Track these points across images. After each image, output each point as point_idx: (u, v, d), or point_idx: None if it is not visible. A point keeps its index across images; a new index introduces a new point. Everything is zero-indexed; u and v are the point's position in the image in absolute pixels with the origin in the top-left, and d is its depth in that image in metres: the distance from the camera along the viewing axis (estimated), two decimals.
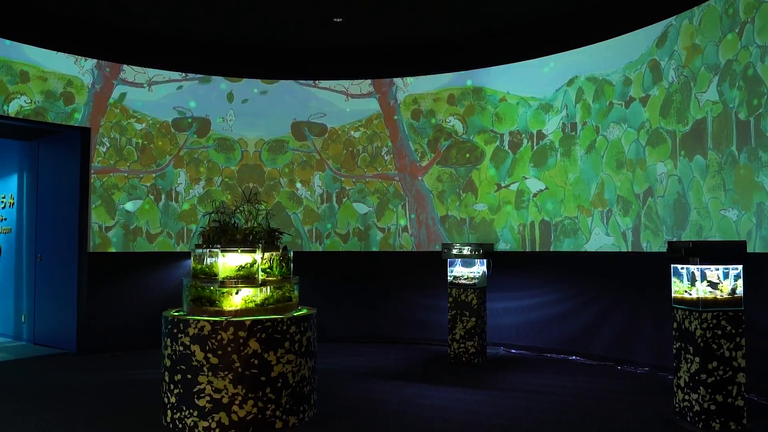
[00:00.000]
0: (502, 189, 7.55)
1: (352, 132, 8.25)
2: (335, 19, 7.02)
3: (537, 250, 7.24)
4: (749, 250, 5.00)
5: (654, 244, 6.13)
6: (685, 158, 5.83)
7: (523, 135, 7.41)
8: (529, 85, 7.36)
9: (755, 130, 5.15)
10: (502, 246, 7.49)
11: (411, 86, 8.08)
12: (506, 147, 7.54)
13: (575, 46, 6.95)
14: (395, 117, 8.14)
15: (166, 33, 7.55)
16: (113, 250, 7.37)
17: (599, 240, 6.68)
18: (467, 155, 7.80)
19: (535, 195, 7.29)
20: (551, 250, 7.11)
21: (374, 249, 8.13)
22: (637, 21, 6.35)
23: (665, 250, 4.47)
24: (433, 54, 7.98)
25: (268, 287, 4.36)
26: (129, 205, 7.50)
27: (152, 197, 7.66)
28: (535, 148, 7.31)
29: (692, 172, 5.75)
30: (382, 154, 8.18)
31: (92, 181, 7.28)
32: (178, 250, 7.75)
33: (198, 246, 4.49)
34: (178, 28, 7.36)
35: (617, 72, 6.57)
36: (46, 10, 6.83)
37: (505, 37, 7.54)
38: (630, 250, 6.38)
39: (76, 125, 7.20)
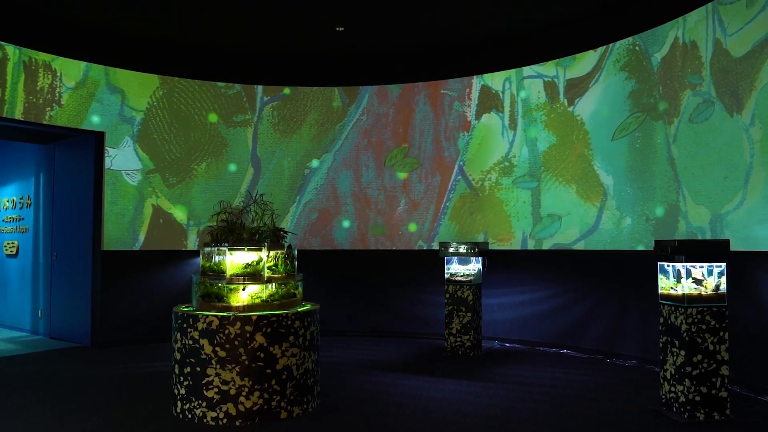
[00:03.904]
0: (496, 177, 7.70)
1: (352, 122, 8.46)
2: (337, 29, 7.24)
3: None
4: (731, 242, 5.16)
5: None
6: (673, 142, 6.02)
7: (518, 125, 7.55)
8: (526, 76, 7.52)
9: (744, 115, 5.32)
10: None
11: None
12: (502, 136, 7.69)
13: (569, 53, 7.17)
14: (395, 106, 8.34)
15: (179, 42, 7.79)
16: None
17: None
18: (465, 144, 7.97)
19: (527, 183, 7.43)
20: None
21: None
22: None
23: (653, 247, 4.62)
24: (434, 59, 8.13)
25: (274, 284, 4.46)
26: (139, 192, 7.67)
27: (161, 183, 7.82)
28: (528, 138, 7.46)
29: (681, 156, 5.92)
30: (383, 142, 8.37)
31: (105, 168, 7.45)
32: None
33: (206, 244, 4.60)
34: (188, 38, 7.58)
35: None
36: (53, 16, 7.01)
37: (503, 43, 7.70)
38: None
39: (91, 129, 7.37)
